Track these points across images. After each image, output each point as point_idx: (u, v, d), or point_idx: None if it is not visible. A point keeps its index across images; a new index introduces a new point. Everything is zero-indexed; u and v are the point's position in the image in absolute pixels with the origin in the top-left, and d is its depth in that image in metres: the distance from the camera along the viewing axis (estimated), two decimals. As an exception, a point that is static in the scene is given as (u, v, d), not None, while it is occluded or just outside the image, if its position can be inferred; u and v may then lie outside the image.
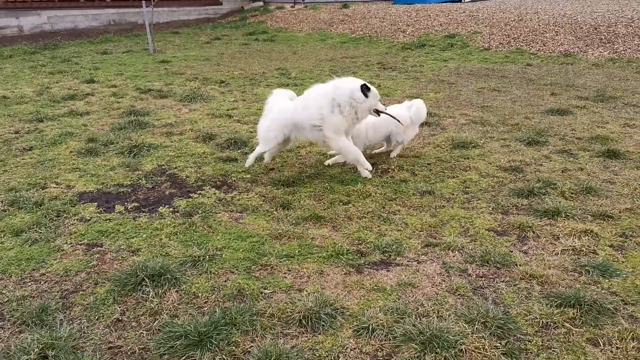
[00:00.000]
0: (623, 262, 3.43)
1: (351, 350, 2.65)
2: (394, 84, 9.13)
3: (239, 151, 5.76)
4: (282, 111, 4.97)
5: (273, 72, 10.54)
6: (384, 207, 4.34)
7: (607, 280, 3.20)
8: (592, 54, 11.42)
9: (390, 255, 3.58)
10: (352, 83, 4.70)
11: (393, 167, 5.26)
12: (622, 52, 11.22)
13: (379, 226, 4.02)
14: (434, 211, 4.28)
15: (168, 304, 3.02)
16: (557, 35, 12.77)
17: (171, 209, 4.33)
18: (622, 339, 2.65)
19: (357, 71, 10.44)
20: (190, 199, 4.53)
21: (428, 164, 5.39)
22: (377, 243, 3.72)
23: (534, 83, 9.15)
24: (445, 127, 6.71)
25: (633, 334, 2.67)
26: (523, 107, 7.57)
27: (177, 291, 3.14)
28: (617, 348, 2.59)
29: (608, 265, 3.34)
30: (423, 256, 3.58)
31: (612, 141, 5.87)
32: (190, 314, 2.94)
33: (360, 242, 3.78)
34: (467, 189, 4.72)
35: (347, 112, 4.64)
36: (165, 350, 2.64)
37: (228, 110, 7.57)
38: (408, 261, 3.51)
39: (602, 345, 2.62)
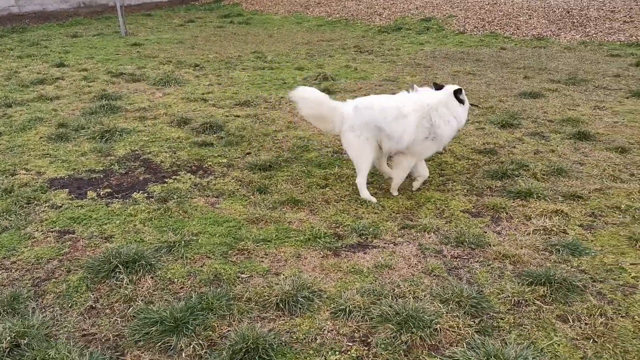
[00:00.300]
0: (592, 241, 3.51)
1: (328, 332, 2.67)
2: (370, 68, 9.11)
3: (215, 135, 5.70)
4: None
5: (249, 56, 10.42)
6: (360, 191, 4.36)
7: (576, 259, 3.28)
8: (565, 37, 11.56)
9: (367, 238, 3.60)
10: None
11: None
12: (594, 35, 11.38)
13: (356, 209, 4.04)
14: (410, 194, 4.32)
15: (143, 291, 3.00)
16: (530, 19, 12.87)
17: (145, 195, 4.27)
18: (591, 315, 2.72)
19: (334, 55, 10.39)
20: (165, 184, 4.48)
21: (404, 147, 5.42)
22: (354, 226, 3.74)
23: (507, 66, 9.24)
24: (421, 110, 6.73)
25: (601, 310, 2.74)
26: (497, 90, 7.64)
27: (152, 277, 3.11)
28: (586, 324, 2.66)
29: (577, 244, 3.42)
30: (399, 238, 3.61)
31: (582, 123, 5.97)
32: (165, 299, 2.92)
33: (337, 225, 3.79)
34: (442, 172, 4.77)
35: None
36: (140, 337, 2.62)
37: (203, 94, 7.47)
38: (385, 243, 3.54)
39: (571, 321, 2.69)
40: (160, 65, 9.49)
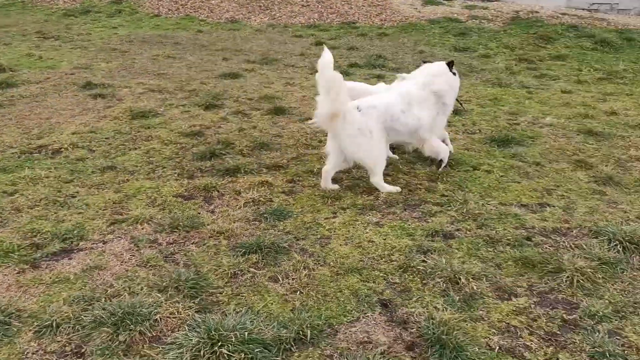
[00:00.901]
0: (294, 204, 3.89)
1: (33, 353, 2.36)
2: (58, 55, 8.25)
3: None
4: None
5: None
6: (59, 191, 3.94)
7: (282, 223, 3.59)
8: (255, 20, 12.41)
9: (72, 242, 3.29)
10: None
11: (66, 145, 4.79)
12: (279, 18, 12.50)
13: (55, 213, 3.63)
14: (118, 186, 4.09)
15: None
16: (222, 2, 13.41)
17: None
18: (296, 270, 3.03)
19: (12, 42, 9.05)
20: None
21: (106, 138, 5.09)
22: (55, 231, 3.36)
23: (206, 49, 9.47)
24: (122, 97, 6.42)
25: (304, 264, 3.07)
26: (198, 72, 7.77)
27: None
28: (293, 279, 2.95)
29: (282, 210, 3.75)
30: (109, 235, 3.39)
31: (277, 99, 6.53)
32: None
33: (34, 234, 3.35)
34: (151, 159, 4.64)
35: None
36: None
37: None
38: (93, 244, 3.28)
39: (281, 280, 2.95)
40: None
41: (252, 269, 3.04)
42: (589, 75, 8.40)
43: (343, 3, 13.24)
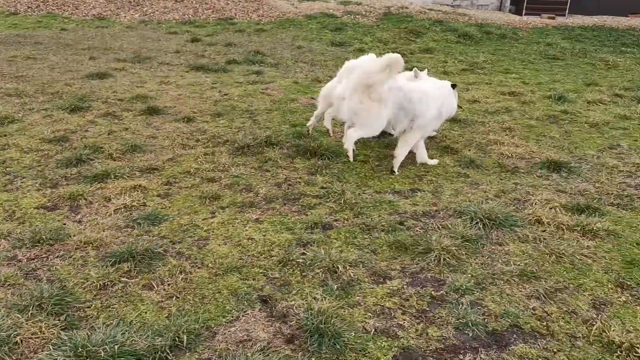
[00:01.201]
0: (169, 207, 3.75)
1: None
2: None
3: None
4: None
5: None
6: None
7: (157, 227, 3.45)
8: (125, 16, 11.80)
9: None
10: None
11: None
12: (152, 14, 12.00)
13: None
14: (-33, 202, 3.69)
15: None
16: (89, -2, 12.60)
17: None
18: (172, 275, 2.92)
19: None
20: None
21: (-47, 149, 4.57)
22: None
23: (71, 48, 8.84)
24: (-28, 103, 5.79)
25: (180, 268, 2.97)
26: (62, 73, 7.23)
27: None
28: (169, 285, 2.85)
29: (157, 214, 3.60)
30: (-42, 256, 3.05)
31: (151, 99, 6.26)
32: None
33: None
34: (8, 169, 4.24)
35: None
36: None
37: None
38: (-63, 268, 2.93)
39: (155, 287, 2.83)
40: None
41: (123, 279, 2.88)
42: (454, 66, 9.02)
43: (219, -1, 13.02)
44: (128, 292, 2.78)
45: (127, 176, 4.21)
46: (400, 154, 4.48)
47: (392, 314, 2.69)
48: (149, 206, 3.75)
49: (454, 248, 3.22)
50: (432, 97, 4.44)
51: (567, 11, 15.25)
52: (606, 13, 15.34)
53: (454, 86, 4.75)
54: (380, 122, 4.32)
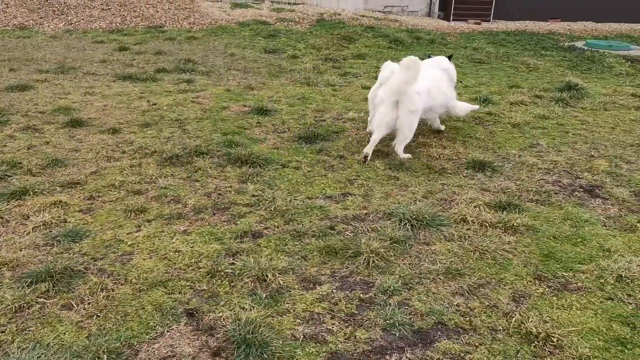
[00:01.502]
0: (92, 222, 3.61)
1: None
2: None
3: None
4: None
5: None
6: None
7: (77, 245, 3.31)
8: (49, 26, 11.31)
9: None
10: None
11: None
12: (77, 23, 11.56)
13: None
14: None
15: None
16: (8, 7, 12.01)
17: None
18: (93, 293, 2.81)
19: None
20: None
21: None
22: None
23: (-12, 59, 8.38)
24: None
25: (102, 285, 2.86)
26: (-22, 86, 6.84)
27: None
28: (89, 303, 2.73)
29: (78, 230, 3.46)
30: None
31: (75, 110, 6.02)
32: None
33: None
34: None
35: None
36: None
37: None
38: None
39: (75, 306, 2.71)
40: None
41: (41, 299, 2.75)
42: (385, 71, 9.19)
43: (148, 6, 12.73)
44: (46, 313, 2.65)
45: (47, 192, 4.02)
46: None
47: (321, 319, 2.70)
48: (69, 222, 3.60)
49: (382, 250, 3.27)
50: None
51: (491, 17, 15.92)
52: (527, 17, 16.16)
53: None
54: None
